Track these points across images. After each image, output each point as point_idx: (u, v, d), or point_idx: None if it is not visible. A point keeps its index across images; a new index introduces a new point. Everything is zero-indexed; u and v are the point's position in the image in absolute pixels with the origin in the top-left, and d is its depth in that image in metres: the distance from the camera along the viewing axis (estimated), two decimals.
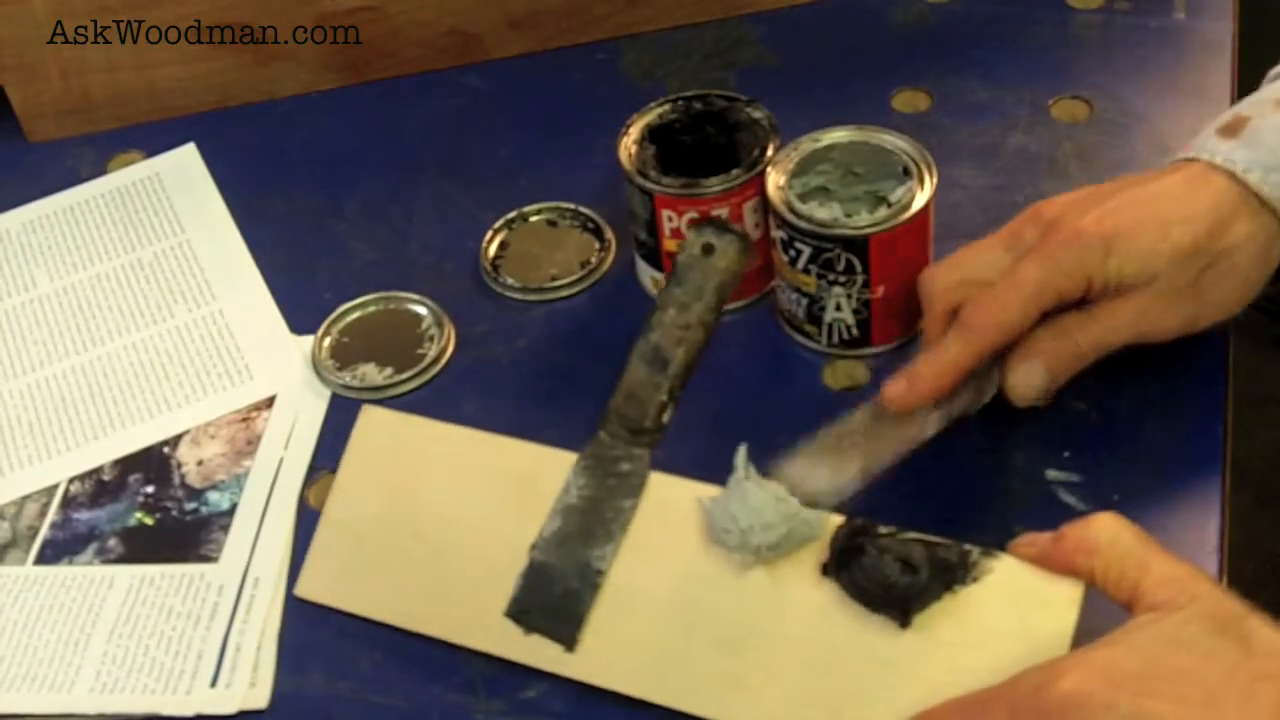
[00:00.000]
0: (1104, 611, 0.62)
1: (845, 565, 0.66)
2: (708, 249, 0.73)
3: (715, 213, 0.80)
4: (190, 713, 0.71)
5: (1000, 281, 0.71)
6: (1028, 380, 0.72)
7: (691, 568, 0.69)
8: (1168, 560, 0.61)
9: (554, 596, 0.70)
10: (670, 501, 0.71)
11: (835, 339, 0.80)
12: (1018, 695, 0.58)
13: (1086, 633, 0.63)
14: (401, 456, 0.75)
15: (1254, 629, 0.57)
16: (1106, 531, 0.62)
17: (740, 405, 0.79)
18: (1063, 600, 0.63)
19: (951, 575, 0.65)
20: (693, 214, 0.80)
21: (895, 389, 0.71)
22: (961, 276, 0.73)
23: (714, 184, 0.79)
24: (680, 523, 0.70)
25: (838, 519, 0.68)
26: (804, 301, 0.79)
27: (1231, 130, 0.72)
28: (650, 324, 0.72)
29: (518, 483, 0.73)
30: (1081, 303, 0.72)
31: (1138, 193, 0.72)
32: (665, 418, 0.72)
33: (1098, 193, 0.72)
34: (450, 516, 0.73)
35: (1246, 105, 0.74)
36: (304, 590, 0.74)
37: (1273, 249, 0.71)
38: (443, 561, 0.73)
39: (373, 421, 0.76)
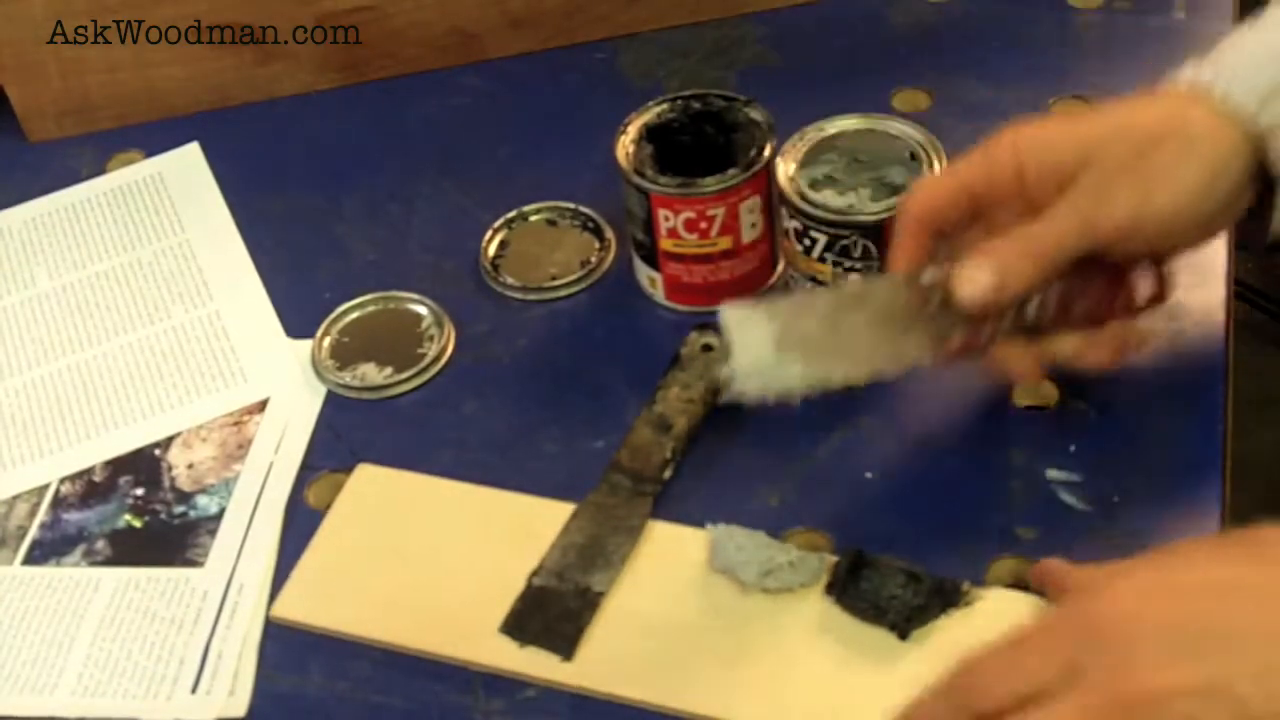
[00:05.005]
0: None
1: (849, 583, 0.69)
2: (707, 348, 0.79)
3: (711, 213, 0.80)
4: (169, 718, 0.71)
5: None
6: (972, 274, 0.69)
7: (694, 591, 0.71)
8: None
9: (551, 615, 0.71)
10: (672, 542, 0.73)
11: None
12: (1056, 628, 0.59)
13: None
14: (396, 502, 0.77)
15: (1244, 538, 0.59)
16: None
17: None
18: None
19: (946, 600, 0.68)
20: (689, 214, 0.80)
21: None
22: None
23: (710, 184, 0.79)
24: (683, 558, 0.72)
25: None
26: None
27: (1202, 58, 0.72)
28: (655, 398, 0.77)
29: (513, 528, 0.74)
30: None
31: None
32: (666, 474, 0.75)
33: None
34: (443, 551, 0.74)
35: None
36: (281, 610, 0.73)
37: (1229, 147, 0.69)
38: (434, 585, 0.73)
39: (366, 476, 0.78)
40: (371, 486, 0.78)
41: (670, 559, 0.72)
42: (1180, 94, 0.70)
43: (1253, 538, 0.59)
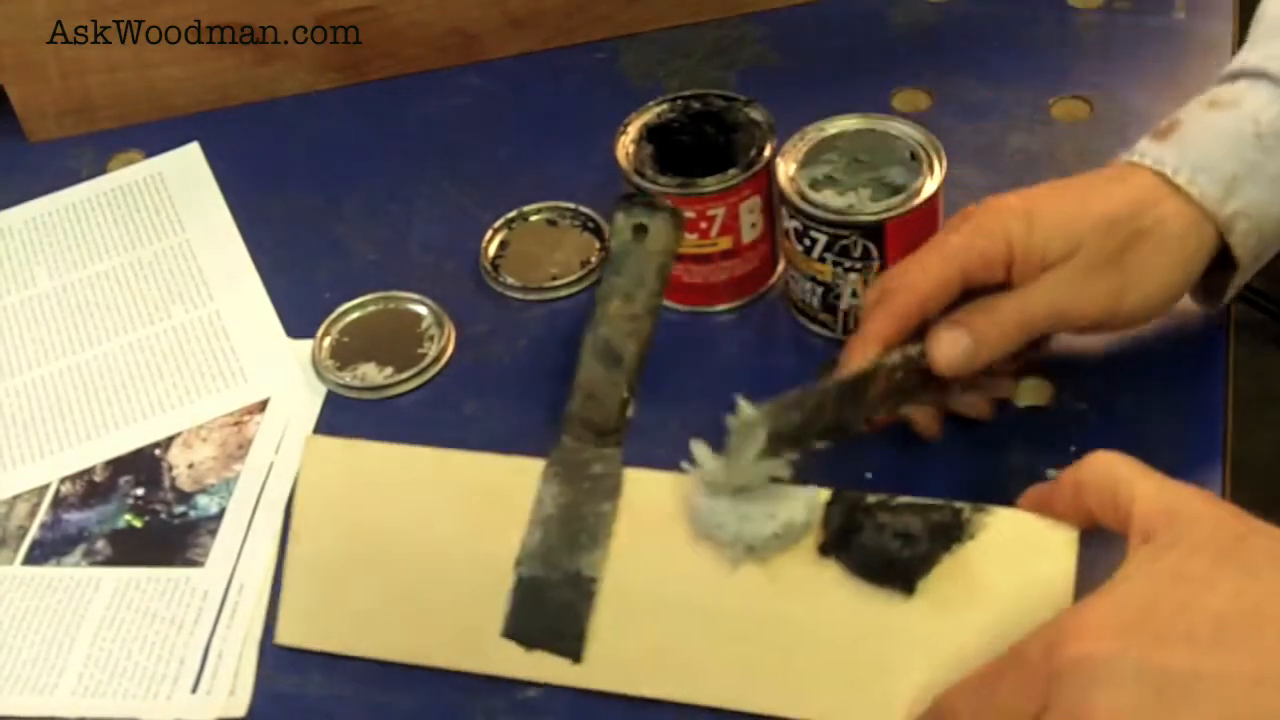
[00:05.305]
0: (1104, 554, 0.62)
1: (844, 544, 0.67)
2: (640, 229, 0.72)
3: (711, 213, 0.80)
4: (169, 718, 0.71)
5: (924, 247, 0.71)
6: (949, 344, 0.70)
7: (686, 564, 0.69)
8: (1159, 486, 0.60)
9: (550, 611, 0.70)
10: (652, 498, 0.70)
11: (851, 326, 0.80)
12: (1027, 663, 0.57)
13: (1088, 573, 0.63)
14: (357, 486, 0.74)
15: (1253, 549, 0.56)
16: (1096, 465, 0.63)
17: (760, 397, 0.79)
18: (1060, 545, 0.64)
19: (949, 536, 0.66)
20: (689, 214, 0.79)
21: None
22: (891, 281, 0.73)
23: (710, 184, 0.79)
24: (666, 520, 0.69)
25: (825, 495, 0.68)
26: (819, 290, 0.80)
27: (1163, 134, 0.72)
28: (596, 318, 0.72)
29: (485, 497, 0.72)
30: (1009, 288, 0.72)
31: (1064, 181, 0.73)
32: (628, 413, 0.71)
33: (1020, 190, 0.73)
34: (420, 539, 0.72)
35: (1181, 110, 0.74)
36: (285, 638, 0.73)
37: (1199, 241, 0.71)
38: (422, 587, 0.72)
39: (319, 454, 0.75)
40: (327, 466, 0.74)
41: (653, 522, 0.70)
42: (1149, 178, 0.71)
43: (1247, 554, 0.56)
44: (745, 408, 0.67)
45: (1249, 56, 0.74)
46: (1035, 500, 0.65)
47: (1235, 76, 0.74)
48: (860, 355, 0.71)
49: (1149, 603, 0.56)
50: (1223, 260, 0.72)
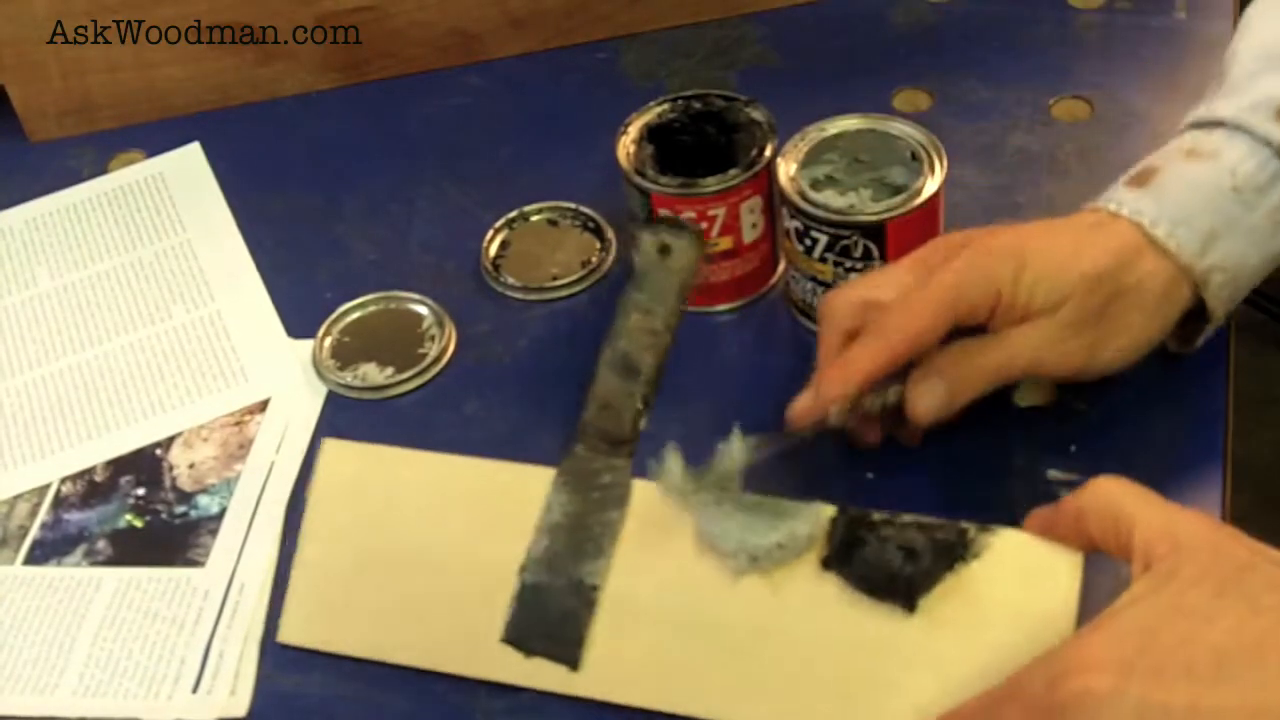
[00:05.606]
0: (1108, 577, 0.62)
1: (846, 557, 0.67)
2: (664, 250, 0.73)
3: (712, 213, 0.80)
4: (169, 718, 0.71)
5: (913, 290, 0.71)
6: (929, 395, 0.70)
7: (688, 574, 0.69)
8: (1160, 511, 0.60)
9: (551, 618, 0.69)
10: (658, 509, 0.70)
11: None
12: (1029, 695, 0.57)
13: (1091, 596, 0.63)
14: (370, 489, 0.74)
15: (1256, 578, 0.56)
16: (1098, 491, 0.62)
17: (760, 397, 0.79)
18: (1064, 569, 0.64)
19: (952, 555, 0.65)
20: (690, 214, 0.80)
21: (802, 403, 0.71)
22: (863, 297, 0.72)
23: (711, 184, 0.79)
24: (671, 530, 0.69)
25: (830, 511, 0.68)
26: (820, 290, 0.80)
27: (1140, 181, 0.72)
28: (615, 331, 0.73)
29: (495, 504, 0.72)
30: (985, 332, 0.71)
31: (1049, 225, 0.72)
32: (641, 425, 0.72)
33: (1006, 227, 0.72)
34: (430, 545, 0.72)
35: (1157, 156, 0.73)
36: (287, 636, 0.73)
37: (1174, 296, 0.71)
38: (428, 591, 0.71)
39: (335, 456, 0.75)
40: (344, 469, 0.75)
41: (658, 532, 0.70)
42: (1128, 228, 0.71)
43: (1249, 585, 0.56)
44: (736, 440, 0.68)
45: (1223, 106, 0.73)
46: (1039, 524, 0.65)
47: (1212, 125, 0.73)
48: (841, 383, 0.70)
49: (1150, 635, 0.55)
50: (1197, 308, 0.72)
